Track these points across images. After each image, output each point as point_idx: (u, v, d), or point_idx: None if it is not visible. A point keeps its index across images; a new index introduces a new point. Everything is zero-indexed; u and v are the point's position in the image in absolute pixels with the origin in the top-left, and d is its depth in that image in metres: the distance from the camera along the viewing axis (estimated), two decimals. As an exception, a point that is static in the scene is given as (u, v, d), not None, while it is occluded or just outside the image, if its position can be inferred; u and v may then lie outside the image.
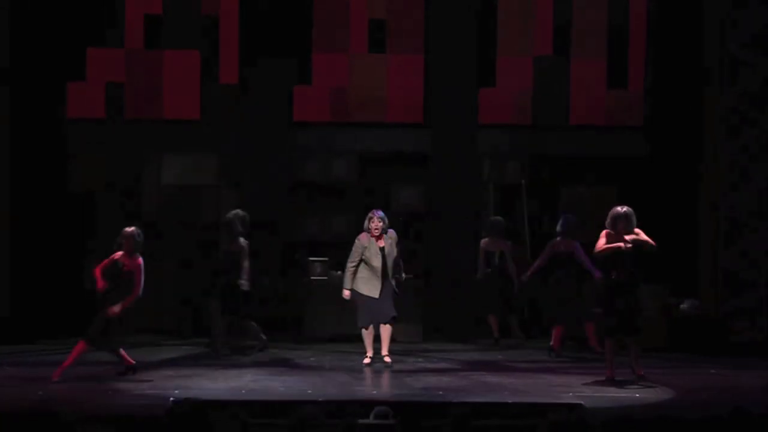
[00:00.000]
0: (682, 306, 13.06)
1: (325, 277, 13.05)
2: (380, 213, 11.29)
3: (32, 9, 13.82)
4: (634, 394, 9.23)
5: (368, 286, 11.21)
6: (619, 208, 9.87)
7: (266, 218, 13.41)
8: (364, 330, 11.31)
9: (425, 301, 13.39)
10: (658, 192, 14.07)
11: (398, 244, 11.34)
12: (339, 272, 11.87)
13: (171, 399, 8.49)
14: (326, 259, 12.97)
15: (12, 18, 13.71)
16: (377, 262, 11.16)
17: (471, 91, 14.47)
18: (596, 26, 14.61)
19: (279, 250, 14.03)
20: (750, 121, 13.70)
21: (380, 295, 11.16)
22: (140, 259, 9.95)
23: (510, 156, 14.71)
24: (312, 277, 13.23)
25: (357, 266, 11.22)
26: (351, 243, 11.35)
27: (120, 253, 9.97)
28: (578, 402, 8.61)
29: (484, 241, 13.19)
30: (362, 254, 11.19)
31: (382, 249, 11.21)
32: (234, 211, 12.08)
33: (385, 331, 11.30)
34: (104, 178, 14.32)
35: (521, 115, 14.60)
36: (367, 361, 11.25)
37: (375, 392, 9.75)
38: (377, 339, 11.35)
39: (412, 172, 14.67)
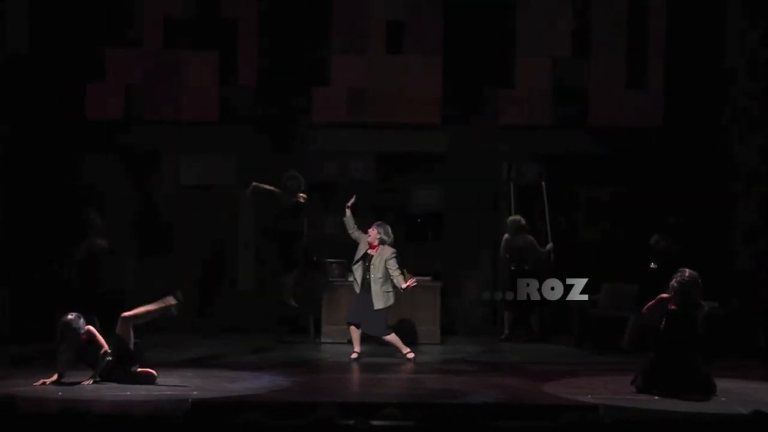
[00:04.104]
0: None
1: (343, 279, 13.04)
2: (380, 223, 11.77)
3: (52, 9, 13.89)
4: (652, 397, 9.20)
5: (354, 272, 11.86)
6: None
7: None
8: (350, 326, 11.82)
9: (442, 302, 13.37)
10: (678, 192, 13.99)
11: (389, 262, 11.58)
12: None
13: (190, 400, 8.54)
14: (344, 260, 12.97)
15: (31, 17, 13.79)
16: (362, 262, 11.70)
17: (490, 92, 14.46)
18: (615, 26, 14.54)
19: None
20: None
21: (365, 300, 11.58)
22: (85, 335, 9.80)
23: (529, 156, 14.67)
24: (330, 279, 13.24)
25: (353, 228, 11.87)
26: (369, 244, 11.70)
27: None
28: (595, 404, 8.62)
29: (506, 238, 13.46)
30: (359, 240, 11.78)
31: (370, 257, 11.66)
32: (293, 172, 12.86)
33: (387, 339, 11.70)
34: (122, 179, 14.36)
35: (540, 116, 14.55)
36: (353, 356, 11.65)
37: (392, 393, 9.76)
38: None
39: (430, 172, 14.65)
